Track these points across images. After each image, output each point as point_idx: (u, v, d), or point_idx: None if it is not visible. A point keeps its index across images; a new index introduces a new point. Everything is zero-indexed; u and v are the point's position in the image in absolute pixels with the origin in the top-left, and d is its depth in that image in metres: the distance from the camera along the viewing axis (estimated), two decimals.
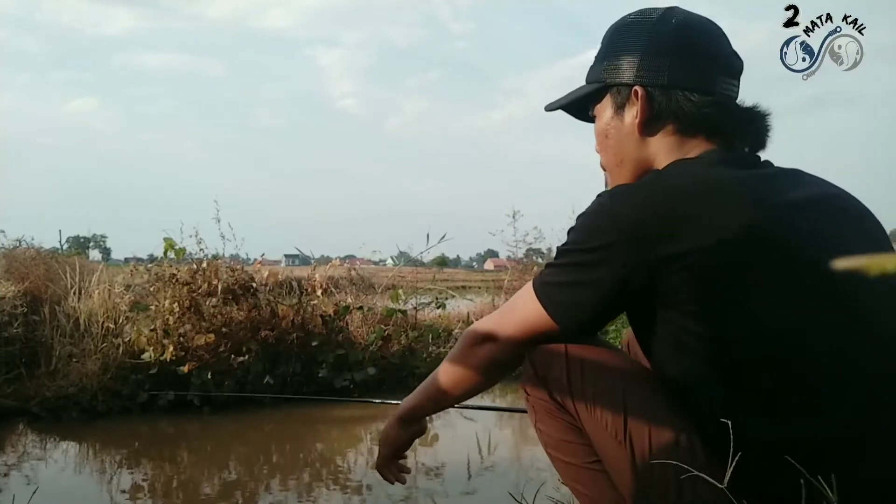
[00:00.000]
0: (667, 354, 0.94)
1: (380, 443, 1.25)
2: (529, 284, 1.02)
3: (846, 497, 0.77)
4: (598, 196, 0.95)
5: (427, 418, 1.27)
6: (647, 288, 0.89)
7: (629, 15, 1.05)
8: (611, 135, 1.05)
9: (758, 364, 0.86)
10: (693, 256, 0.85)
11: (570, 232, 0.96)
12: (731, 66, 1.02)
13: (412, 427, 1.22)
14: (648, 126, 1.00)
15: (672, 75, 0.98)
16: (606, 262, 0.90)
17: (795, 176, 0.98)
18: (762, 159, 1.01)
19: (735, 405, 0.85)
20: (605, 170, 1.10)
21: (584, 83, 1.10)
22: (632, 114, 1.01)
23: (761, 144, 1.03)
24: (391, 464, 1.27)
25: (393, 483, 1.28)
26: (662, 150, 1.00)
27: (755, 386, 0.86)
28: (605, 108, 1.05)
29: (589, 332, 1.00)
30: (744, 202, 0.88)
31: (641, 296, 0.90)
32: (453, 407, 1.27)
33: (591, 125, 1.12)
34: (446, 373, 1.13)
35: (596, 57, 1.08)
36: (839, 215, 0.94)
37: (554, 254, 1.02)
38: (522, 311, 1.02)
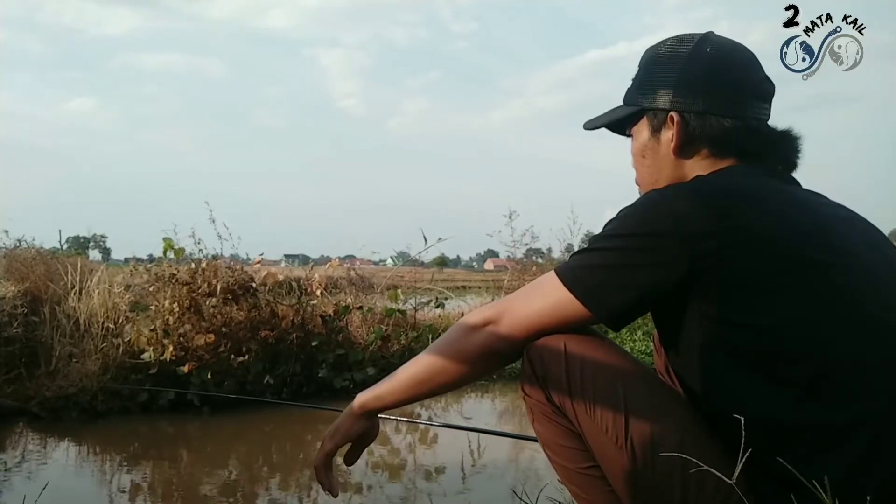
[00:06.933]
0: (697, 348, 0.94)
1: (325, 436, 1.14)
2: (551, 272, 1.01)
3: (872, 479, 0.82)
4: (646, 193, 0.98)
5: (381, 424, 1.18)
6: (688, 280, 0.90)
7: (666, 41, 1.08)
8: (647, 155, 1.09)
9: (793, 355, 0.87)
10: (738, 249, 0.88)
11: (610, 222, 0.97)
12: (763, 90, 1.05)
13: (366, 422, 1.13)
14: (684, 149, 1.04)
15: (706, 102, 1.02)
16: (653, 250, 0.91)
17: (825, 197, 1.02)
18: (795, 179, 1.05)
19: (768, 395, 0.87)
20: (639, 185, 1.14)
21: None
22: (668, 137, 1.05)
23: (792, 166, 1.06)
24: (331, 463, 1.15)
25: (326, 489, 1.16)
26: (697, 171, 1.04)
27: (789, 376, 0.87)
28: (641, 130, 1.09)
29: (618, 322, 0.98)
30: (788, 204, 0.94)
31: (679, 288, 0.91)
32: (462, 429, 1.23)
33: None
34: (428, 359, 1.06)
35: (633, 79, 1.12)
36: (871, 233, 0.99)
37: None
38: (544, 296, 1.00)
